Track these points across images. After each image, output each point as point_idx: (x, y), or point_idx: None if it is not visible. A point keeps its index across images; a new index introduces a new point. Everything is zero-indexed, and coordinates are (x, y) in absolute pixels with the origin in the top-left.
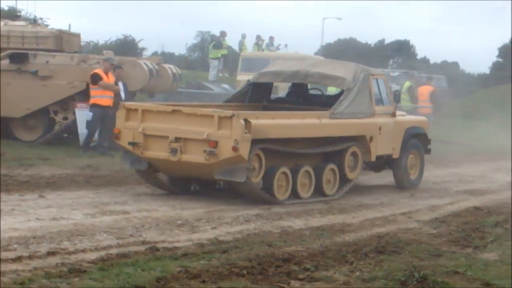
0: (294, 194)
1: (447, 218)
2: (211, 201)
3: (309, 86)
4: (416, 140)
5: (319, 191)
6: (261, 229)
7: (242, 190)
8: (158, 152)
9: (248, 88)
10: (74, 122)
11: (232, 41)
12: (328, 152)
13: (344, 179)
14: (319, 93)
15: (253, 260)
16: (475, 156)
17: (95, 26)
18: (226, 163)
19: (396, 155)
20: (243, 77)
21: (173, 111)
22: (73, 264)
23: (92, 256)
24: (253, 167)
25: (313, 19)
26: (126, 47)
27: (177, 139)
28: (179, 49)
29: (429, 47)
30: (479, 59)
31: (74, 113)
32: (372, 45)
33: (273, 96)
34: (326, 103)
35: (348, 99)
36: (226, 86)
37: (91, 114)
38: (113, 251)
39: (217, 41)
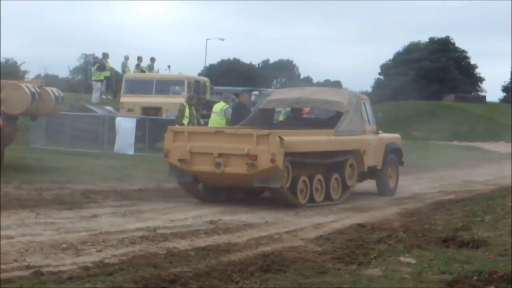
0: (310, 198)
1: (331, 236)
2: (96, 223)
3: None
4: (394, 154)
5: (327, 196)
6: (147, 250)
7: (274, 194)
8: (203, 166)
9: (257, 114)
10: None
11: (116, 63)
12: (332, 163)
13: (345, 186)
14: (312, 116)
15: (138, 282)
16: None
17: None
18: (264, 173)
19: (379, 166)
20: (127, 99)
21: (216, 132)
22: None
23: None
24: (284, 175)
25: (196, 39)
26: (8, 70)
27: (220, 155)
28: (62, 72)
29: (313, 67)
30: (361, 77)
31: None
32: (257, 66)
33: (275, 120)
34: (319, 124)
35: (347, 119)
36: (109, 108)
37: None
38: None
39: (100, 63)
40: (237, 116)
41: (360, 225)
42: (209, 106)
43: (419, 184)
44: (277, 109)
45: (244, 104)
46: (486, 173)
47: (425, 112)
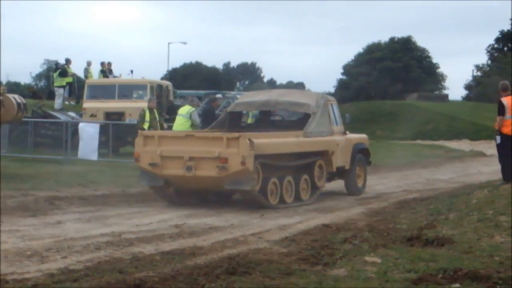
0: (281, 200)
1: (297, 237)
2: (61, 230)
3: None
4: (361, 154)
5: (297, 197)
6: (112, 256)
7: (245, 196)
8: (174, 170)
9: (226, 117)
10: None
11: (78, 68)
12: (301, 164)
13: (314, 187)
14: (280, 118)
15: (104, 287)
16: None
17: None
18: (235, 175)
19: (347, 166)
20: (90, 105)
21: (186, 136)
22: None
23: None
24: (255, 178)
25: (158, 43)
26: None
27: (191, 158)
28: (25, 78)
29: (276, 69)
30: (324, 78)
31: None
32: (220, 69)
33: (243, 123)
34: (287, 126)
35: (315, 121)
36: (72, 114)
37: None
38: None
39: (62, 69)
40: (206, 119)
41: (326, 226)
42: (173, 110)
43: (384, 183)
44: (245, 112)
45: (214, 109)
46: (450, 171)
47: (388, 111)
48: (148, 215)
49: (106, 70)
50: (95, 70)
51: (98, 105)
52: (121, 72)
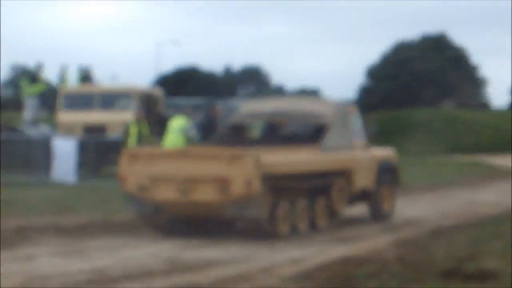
0: (293, 228)
1: (313, 272)
2: (32, 266)
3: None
4: (388, 172)
5: (313, 224)
6: None
7: (251, 225)
8: (166, 194)
9: (227, 130)
10: None
11: (52, 74)
12: (317, 186)
13: (333, 212)
14: (292, 131)
15: None
16: None
17: None
18: (239, 200)
19: (372, 187)
20: (65, 117)
21: (180, 153)
22: None
23: None
24: (262, 202)
25: (146, 44)
26: None
27: (186, 180)
28: None
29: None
30: (343, 83)
31: None
32: (220, 74)
33: (247, 137)
34: (300, 140)
35: (333, 133)
36: (45, 128)
37: None
38: None
39: (32, 75)
40: (205, 132)
41: (347, 258)
42: (164, 122)
43: (416, 207)
44: (249, 124)
45: (214, 119)
46: (494, 192)
47: (420, 121)
48: (136, 247)
49: (85, 76)
50: (72, 76)
51: (75, 118)
52: (103, 78)
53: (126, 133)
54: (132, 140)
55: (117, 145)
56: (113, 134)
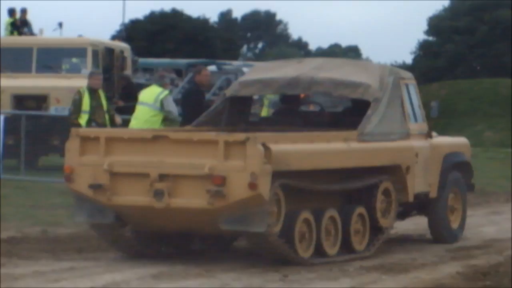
0: (318, 250)
1: None
2: None
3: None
4: (458, 172)
5: (346, 245)
6: None
7: (256, 244)
8: (133, 197)
9: (224, 105)
10: None
11: None
12: (353, 190)
13: (375, 228)
14: (318, 109)
15: None
16: None
17: None
18: (238, 207)
19: (433, 193)
20: None
21: (155, 138)
22: None
23: None
24: (272, 211)
25: None
26: None
27: (162, 177)
28: None
29: (310, 24)
30: (393, 40)
31: None
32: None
33: (253, 116)
34: (329, 122)
35: (378, 114)
36: None
37: None
38: None
39: None
40: (196, 108)
41: None
42: (131, 92)
43: (497, 222)
44: (256, 97)
45: (202, 87)
46: None
47: (504, 97)
48: (88, 274)
49: (17, 22)
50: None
51: (2, 83)
52: (44, 26)
53: (76, 106)
54: (84, 118)
55: (62, 124)
56: (56, 107)
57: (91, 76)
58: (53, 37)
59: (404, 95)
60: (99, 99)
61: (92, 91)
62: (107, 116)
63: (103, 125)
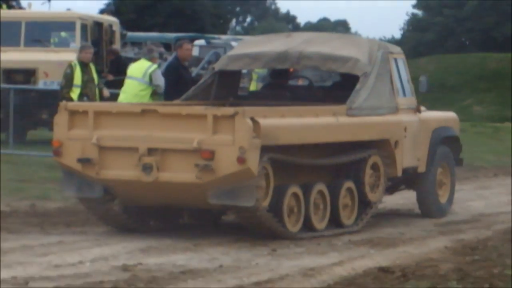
0: (306, 224)
1: None
2: None
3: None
4: (446, 146)
5: (334, 219)
6: None
7: (245, 218)
8: (122, 171)
9: (212, 79)
10: None
11: None
12: (342, 164)
13: (364, 203)
14: (307, 83)
15: None
16: None
17: None
18: (227, 181)
19: (422, 168)
20: None
21: (144, 112)
22: None
23: None
24: (261, 185)
25: None
26: None
27: (151, 151)
28: None
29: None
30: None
31: None
32: None
33: (242, 91)
34: (318, 97)
35: (366, 88)
36: None
37: None
38: None
39: None
40: (175, 83)
41: (383, 270)
42: (120, 66)
43: (485, 197)
44: (245, 71)
45: (185, 62)
46: None
47: (493, 72)
48: (77, 248)
49: None
50: None
51: None
52: (32, 1)
53: (68, 80)
54: (75, 92)
55: (50, 98)
56: (45, 81)
57: (82, 49)
58: (42, 11)
59: (392, 69)
60: (90, 73)
61: (83, 65)
62: (97, 90)
63: (93, 99)
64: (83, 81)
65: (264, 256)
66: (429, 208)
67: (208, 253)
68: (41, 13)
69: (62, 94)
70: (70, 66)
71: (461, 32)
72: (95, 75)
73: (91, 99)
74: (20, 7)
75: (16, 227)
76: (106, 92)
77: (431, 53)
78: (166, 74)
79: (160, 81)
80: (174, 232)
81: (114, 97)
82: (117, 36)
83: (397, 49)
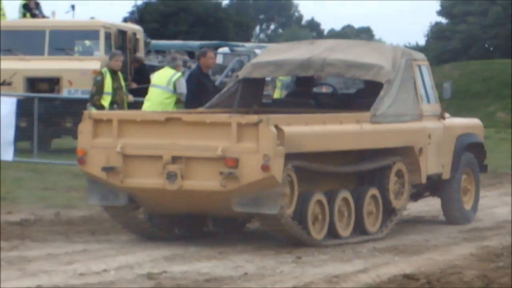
0: (331, 232)
1: None
2: None
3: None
4: (471, 153)
5: (359, 226)
6: None
7: (269, 226)
8: (146, 179)
9: (236, 87)
10: None
11: None
12: (366, 171)
13: (388, 210)
14: (330, 90)
15: None
16: None
17: None
18: (251, 189)
19: (446, 175)
20: (1, 65)
21: (168, 120)
22: None
23: None
24: (285, 193)
25: None
26: None
27: (175, 159)
28: None
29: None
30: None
31: None
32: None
33: (266, 98)
34: (342, 104)
35: (390, 95)
36: None
37: None
38: None
39: None
40: (198, 91)
41: (408, 277)
42: (144, 75)
43: (509, 203)
44: (269, 79)
45: (208, 71)
46: None
47: None
48: (102, 256)
49: (30, 5)
50: (11, 4)
51: (14, 66)
52: (56, 9)
53: (98, 88)
54: (106, 100)
55: (76, 106)
56: (70, 89)
57: (112, 57)
58: (66, 19)
59: (416, 76)
60: (119, 80)
61: (113, 73)
62: (125, 98)
63: (122, 107)
64: (113, 88)
65: (289, 264)
66: (454, 215)
67: (233, 261)
68: (65, 22)
69: (93, 101)
70: (101, 74)
71: (485, 39)
72: (123, 83)
73: (120, 106)
74: (44, 16)
75: (41, 236)
76: (130, 97)
77: (455, 60)
78: (187, 82)
79: (184, 89)
80: (198, 240)
81: (138, 105)
82: (141, 44)
83: (420, 55)
